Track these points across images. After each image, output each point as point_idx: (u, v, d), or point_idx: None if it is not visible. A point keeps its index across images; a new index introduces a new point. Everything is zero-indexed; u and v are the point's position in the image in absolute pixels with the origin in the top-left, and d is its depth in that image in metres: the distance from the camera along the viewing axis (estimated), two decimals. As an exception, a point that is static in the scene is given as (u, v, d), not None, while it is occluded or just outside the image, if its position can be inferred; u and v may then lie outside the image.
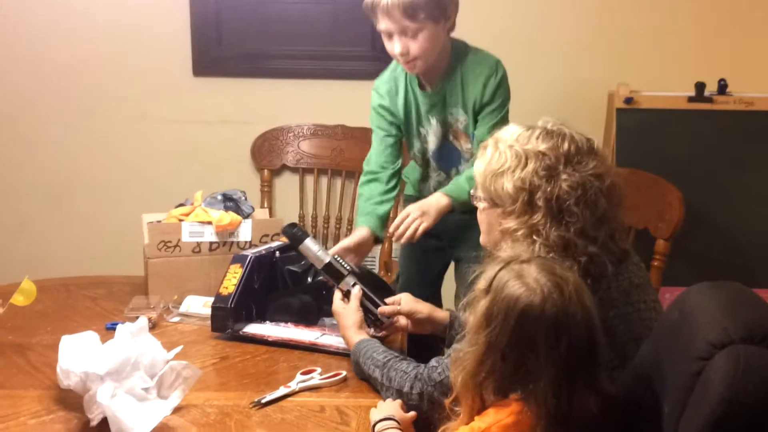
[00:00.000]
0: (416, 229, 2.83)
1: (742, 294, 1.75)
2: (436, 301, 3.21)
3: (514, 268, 1.81)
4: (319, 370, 2.37)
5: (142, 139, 4.02)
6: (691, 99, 3.67)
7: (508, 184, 2.05)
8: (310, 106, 3.98)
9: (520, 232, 2.04)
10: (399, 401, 2.14)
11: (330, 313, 2.61)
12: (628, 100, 3.65)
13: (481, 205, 2.18)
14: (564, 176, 2.03)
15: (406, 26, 2.75)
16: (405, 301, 2.61)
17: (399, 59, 2.85)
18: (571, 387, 1.74)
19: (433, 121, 2.97)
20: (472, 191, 2.22)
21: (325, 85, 3.94)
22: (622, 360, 1.99)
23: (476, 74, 2.89)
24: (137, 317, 2.25)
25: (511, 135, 2.11)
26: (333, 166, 3.98)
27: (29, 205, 4.10)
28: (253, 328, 2.66)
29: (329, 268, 2.61)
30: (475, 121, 2.92)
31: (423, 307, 2.60)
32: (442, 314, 2.60)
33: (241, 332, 2.63)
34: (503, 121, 2.88)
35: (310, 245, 2.63)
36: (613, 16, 3.87)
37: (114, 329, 2.19)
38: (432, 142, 3.01)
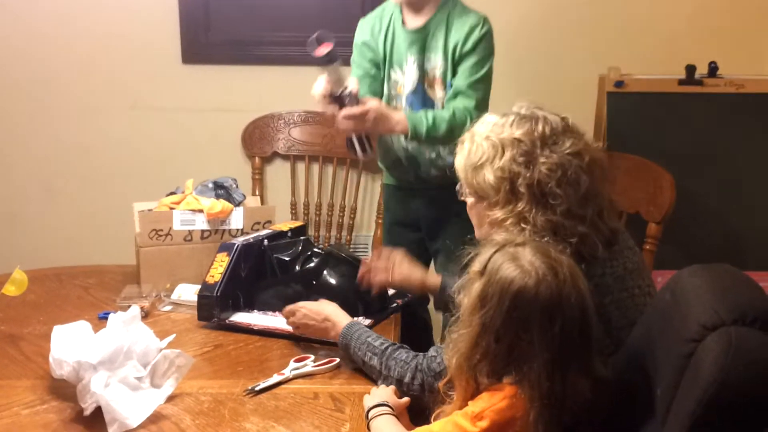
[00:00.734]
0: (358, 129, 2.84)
1: (734, 276, 1.76)
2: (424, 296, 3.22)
3: (509, 250, 1.81)
4: (312, 357, 2.38)
5: (132, 127, 4.00)
6: (681, 82, 3.67)
7: (489, 176, 2.06)
8: (301, 92, 3.90)
9: (508, 221, 2.05)
10: (392, 387, 2.15)
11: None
12: (619, 84, 3.65)
13: (468, 200, 2.19)
14: (542, 159, 2.03)
15: None
16: (399, 261, 2.67)
17: None
18: (565, 370, 1.74)
19: (410, 61, 2.97)
20: (457, 187, 2.22)
21: (316, 72, 3.91)
22: (618, 346, 2.00)
23: (462, 21, 2.91)
24: (129, 306, 2.25)
25: (486, 126, 2.12)
26: (324, 152, 3.97)
27: (20, 195, 4.08)
28: (240, 317, 2.66)
29: (340, 99, 2.74)
30: (454, 71, 2.92)
31: (417, 274, 2.66)
32: (433, 281, 2.64)
33: (227, 321, 2.63)
34: (485, 79, 2.90)
35: (339, 68, 2.73)
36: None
37: (106, 318, 2.19)
38: (407, 86, 3.00)
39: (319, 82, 2.79)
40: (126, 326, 2.15)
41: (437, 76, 2.95)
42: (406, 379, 2.17)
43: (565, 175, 2.02)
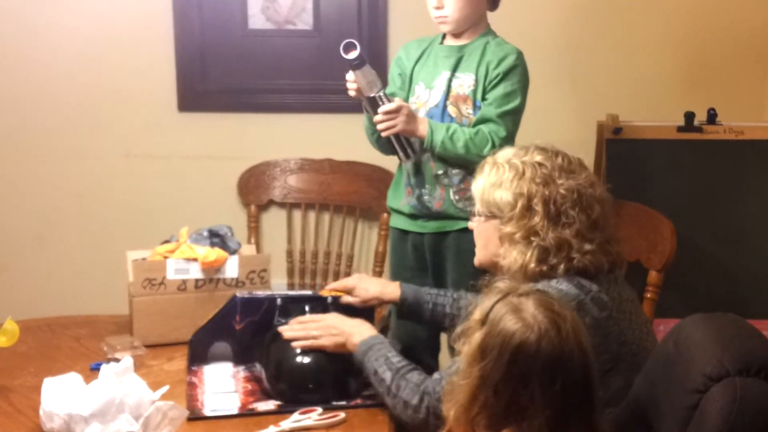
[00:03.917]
0: (393, 126, 2.88)
1: (737, 325, 1.74)
2: (436, 345, 3.21)
3: (512, 301, 1.77)
4: (319, 410, 2.32)
5: (127, 175, 3.98)
6: (680, 129, 3.66)
7: (506, 193, 2.19)
8: (297, 140, 3.96)
9: (518, 235, 2.16)
10: None
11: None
12: (617, 131, 3.63)
13: (479, 219, 2.27)
14: (560, 181, 2.16)
15: None
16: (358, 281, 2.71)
17: (433, 13, 2.98)
18: (565, 427, 1.70)
19: (443, 75, 3.01)
20: (470, 209, 2.32)
21: (312, 119, 3.92)
22: (616, 362, 2.06)
23: (499, 48, 2.99)
24: (116, 357, 2.21)
25: (507, 152, 2.26)
26: (320, 200, 3.95)
27: (11, 244, 4.04)
28: (211, 369, 2.60)
29: (373, 100, 2.85)
30: (483, 92, 2.96)
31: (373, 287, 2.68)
32: (392, 292, 2.67)
33: (192, 368, 2.60)
34: (514, 113, 2.96)
35: (369, 71, 2.83)
36: (602, 47, 3.87)
37: (98, 369, 2.16)
38: (431, 101, 3.01)
39: (349, 75, 2.89)
40: (118, 377, 2.12)
41: (464, 93, 2.98)
42: (414, 401, 2.18)
43: (580, 199, 2.16)
